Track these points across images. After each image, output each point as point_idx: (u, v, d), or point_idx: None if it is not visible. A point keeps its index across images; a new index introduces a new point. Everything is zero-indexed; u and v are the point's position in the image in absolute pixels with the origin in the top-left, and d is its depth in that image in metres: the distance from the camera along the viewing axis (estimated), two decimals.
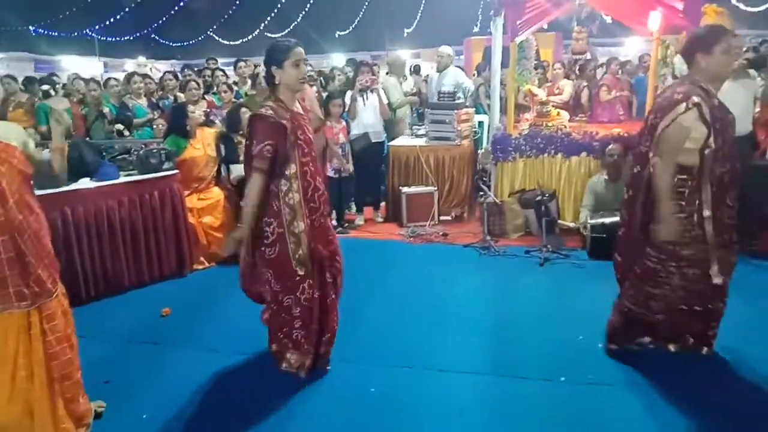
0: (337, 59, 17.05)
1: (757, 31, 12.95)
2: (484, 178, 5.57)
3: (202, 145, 4.61)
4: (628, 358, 2.85)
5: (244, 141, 4.78)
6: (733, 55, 2.44)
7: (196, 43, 17.89)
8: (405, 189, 5.37)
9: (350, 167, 5.32)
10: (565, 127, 5.55)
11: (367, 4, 16.84)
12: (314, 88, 5.97)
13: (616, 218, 4.49)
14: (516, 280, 4.11)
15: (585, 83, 7.01)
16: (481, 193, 4.89)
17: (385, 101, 5.71)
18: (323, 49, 18.23)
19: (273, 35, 18.92)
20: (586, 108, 6.85)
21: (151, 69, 13.71)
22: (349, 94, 5.54)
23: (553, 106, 6.52)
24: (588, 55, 7.33)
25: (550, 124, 5.49)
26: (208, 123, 5.37)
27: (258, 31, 16.72)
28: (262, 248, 2.61)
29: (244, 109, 4.97)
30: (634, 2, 5.59)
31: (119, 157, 4.32)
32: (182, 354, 3.12)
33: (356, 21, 17.73)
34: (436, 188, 5.42)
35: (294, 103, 2.64)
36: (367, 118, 5.48)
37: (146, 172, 4.09)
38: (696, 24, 4.94)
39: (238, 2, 15.51)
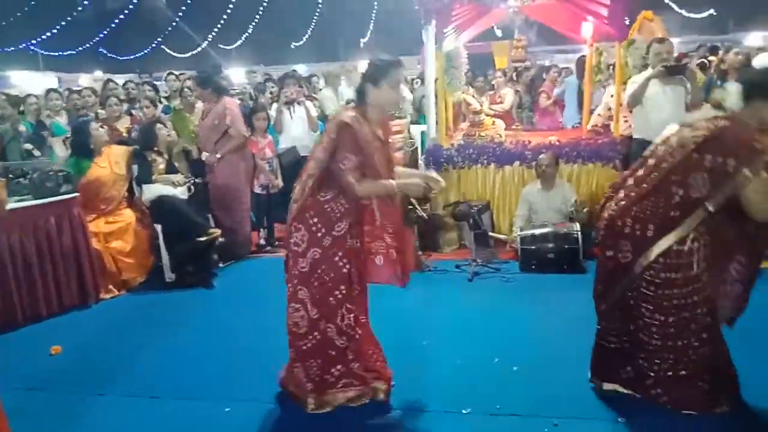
0: (299, 70, 16.81)
1: (705, 36, 13.30)
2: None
3: (109, 164, 4.33)
4: (548, 386, 2.68)
5: (159, 159, 4.60)
6: None
7: (145, 56, 17.40)
8: None
9: (279, 182, 5.10)
10: (501, 136, 5.46)
11: (318, 14, 16.67)
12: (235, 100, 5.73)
13: (547, 229, 4.42)
14: (441, 297, 3.94)
15: (518, 90, 6.97)
16: (410, 206, 4.72)
17: (315, 113, 5.52)
18: (282, 59, 17.99)
19: (226, 47, 18.63)
20: (521, 116, 6.80)
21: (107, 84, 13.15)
22: (275, 107, 5.33)
23: (494, 114, 6.46)
24: (528, 63, 7.31)
25: (483, 133, 5.38)
26: (125, 141, 5.09)
27: (207, 42, 16.34)
28: None
29: (159, 125, 4.72)
30: (564, 11, 5.56)
31: (14, 180, 4.00)
32: (101, 402, 2.72)
33: (309, 31, 17.54)
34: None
35: (377, 126, 2.47)
36: (295, 131, 5.28)
37: (42, 197, 3.78)
38: (621, 31, 4.93)
39: (181, 13, 15.12)
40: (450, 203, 5.03)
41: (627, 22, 5.60)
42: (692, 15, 14.13)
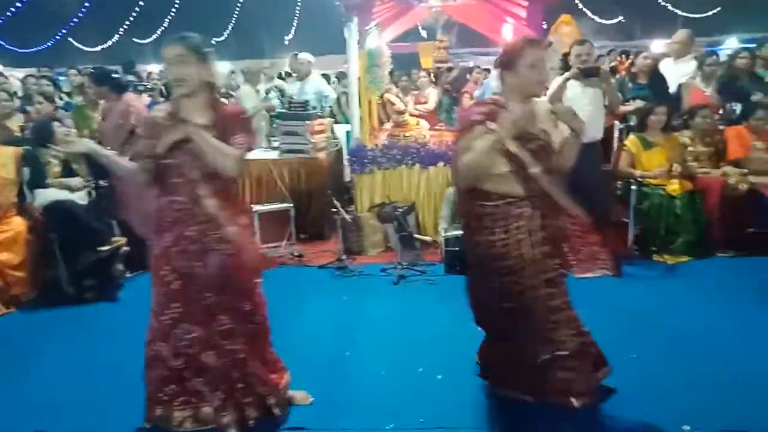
0: (222, 67, 16.14)
1: (616, 43, 14.03)
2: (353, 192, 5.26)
3: None
4: (474, 394, 2.61)
5: (54, 160, 4.16)
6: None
7: (48, 49, 16.09)
8: (256, 207, 4.91)
9: None
10: (425, 136, 5.41)
11: (239, 9, 16.11)
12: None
13: None
14: (365, 303, 3.81)
15: (446, 90, 6.99)
16: (334, 209, 4.56)
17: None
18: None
19: (141, 41, 17.61)
20: (441, 117, 6.82)
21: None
22: None
23: (418, 115, 6.42)
24: (450, 64, 7.34)
25: (407, 134, 5.31)
26: (18, 141, 4.59)
27: (118, 36, 15.35)
28: None
29: (57, 123, 4.28)
30: (485, 12, 5.61)
31: None
32: None
33: (230, 27, 16.92)
34: (291, 205, 5.01)
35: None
36: None
37: None
38: (539, 33, 5.01)
39: (89, 3, 14.07)
40: (375, 205, 4.92)
41: (545, 27, 5.74)
42: (604, 21, 14.89)
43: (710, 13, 15.44)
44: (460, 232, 4.31)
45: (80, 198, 4.02)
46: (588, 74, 4.11)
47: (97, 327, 3.56)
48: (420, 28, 9.73)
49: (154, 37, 16.60)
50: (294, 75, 6.34)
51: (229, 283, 2.24)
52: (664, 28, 13.92)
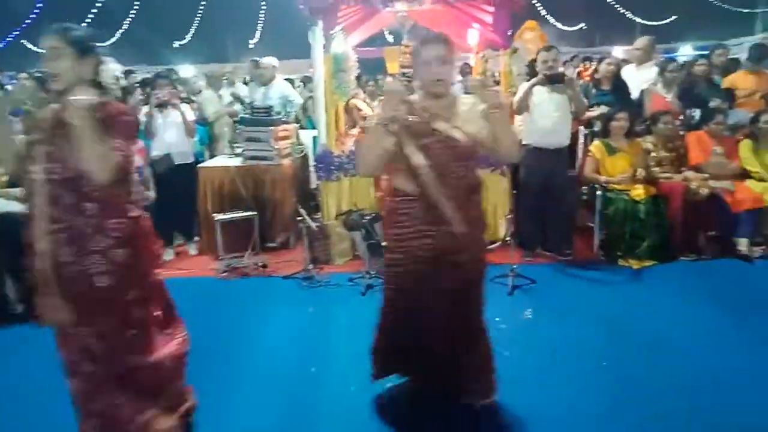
0: (185, 71, 15.73)
1: (578, 49, 14.32)
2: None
3: None
4: (443, 412, 2.54)
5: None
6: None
7: (0, 51, 15.43)
8: (219, 216, 4.75)
9: (151, 194, 4.59)
10: None
11: (202, 12, 15.78)
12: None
13: None
14: (333, 314, 3.71)
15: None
16: (299, 218, 4.45)
17: (193, 117, 5.05)
18: (167, 59, 16.77)
19: (99, 44, 17.04)
20: None
21: None
22: (145, 110, 4.80)
23: None
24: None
25: None
26: None
27: None
28: None
29: None
30: (451, 17, 5.58)
31: None
32: None
33: (193, 30, 16.57)
34: (255, 213, 4.87)
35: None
36: (170, 137, 4.78)
37: None
38: (505, 39, 5.02)
39: (42, 3, 13.55)
40: (341, 212, 4.81)
41: (510, 33, 5.75)
42: (566, 28, 15.18)
43: (666, 21, 15.91)
44: None
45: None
46: (553, 80, 4.12)
47: (47, 347, 3.35)
48: (386, 33, 9.71)
49: (113, 39, 16.13)
50: (257, 80, 6.20)
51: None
52: (623, 35, 14.30)
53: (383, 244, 4.47)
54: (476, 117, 2.25)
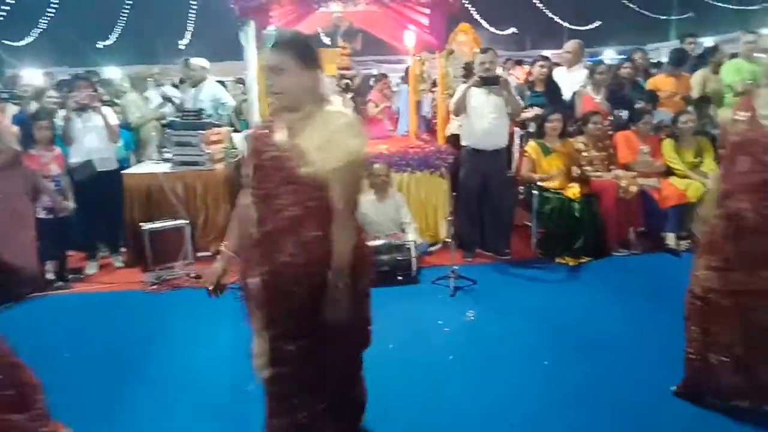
0: (111, 73, 14.87)
1: (510, 52, 14.69)
2: None
3: None
4: None
5: None
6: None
7: None
8: (147, 225, 4.47)
9: (69, 204, 4.26)
10: None
11: (127, 11, 15.03)
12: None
13: (381, 241, 4.26)
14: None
15: (349, 98, 6.86)
16: None
17: (115, 121, 4.74)
18: (90, 60, 15.83)
19: (13, 43, 15.92)
20: None
21: None
22: (62, 113, 4.46)
23: None
24: (353, 71, 7.21)
25: None
26: None
27: None
28: None
29: None
30: (388, 19, 5.54)
31: None
32: None
33: (119, 30, 15.76)
34: (187, 221, 4.62)
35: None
36: (90, 143, 4.47)
37: None
38: (441, 40, 5.03)
39: None
40: None
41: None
42: (498, 32, 15.56)
43: (592, 26, 16.65)
44: (372, 243, 4.20)
45: None
46: (488, 82, 4.15)
47: None
48: (323, 34, 9.56)
49: (29, 39, 15.10)
50: (187, 81, 5.92)
51: None
52: (552, 39, 14.82)
53: None
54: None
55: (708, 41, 9.13)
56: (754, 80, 5.23)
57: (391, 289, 4.02)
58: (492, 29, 15.01)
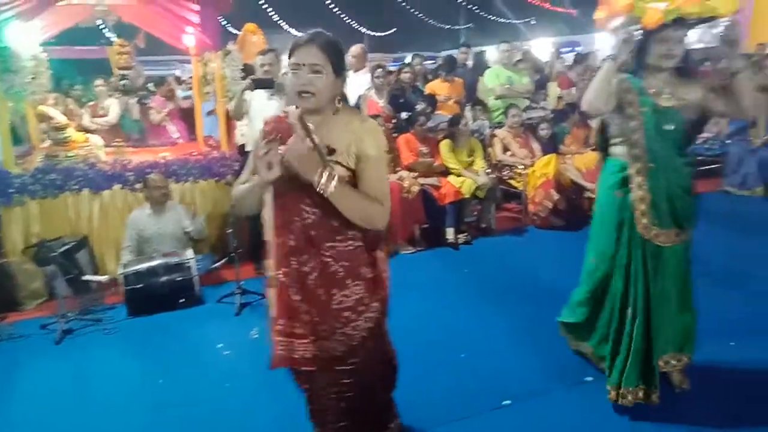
0: None
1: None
2: None
3: None
4: None
5: None
6: None
7: None
8: None
9: None
10: (97, 155, 4.60)
11: None
12: None
13: (156, 261, 3.84)
14: (16, 376, 2.95)
15: (130, 101, 6.21)
16: None
17: None
18: None
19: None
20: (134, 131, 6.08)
21: None
22: None
23: (94, 130, 5.54)
24: (133, 72, 6.50)
25: (71, 153, 4.43)
26: None
27: None
28: None
29: None
30: (159, 15, 5.05)
31: None
32: None
33: None
34: None
35: None
36: None
37: None
38: (215, 39, 4.73)
39: None
40: (31, 245, 3.94)
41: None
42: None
43: (389, 32, 17.64)
44: (142, 266, 3.76)
45: None
46: (261, 85, 3.99)
47: None
48: (105, 30, 8.46)
49: None
50: None
51: None
52: (352, 45, 15.35)
53: (86, 277, 3.83)
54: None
55: (492, 50, 10.07)
56: (511, 84, 5.92)
57: (173, 314, 3.65)
58: (293, 32, 14.97)
